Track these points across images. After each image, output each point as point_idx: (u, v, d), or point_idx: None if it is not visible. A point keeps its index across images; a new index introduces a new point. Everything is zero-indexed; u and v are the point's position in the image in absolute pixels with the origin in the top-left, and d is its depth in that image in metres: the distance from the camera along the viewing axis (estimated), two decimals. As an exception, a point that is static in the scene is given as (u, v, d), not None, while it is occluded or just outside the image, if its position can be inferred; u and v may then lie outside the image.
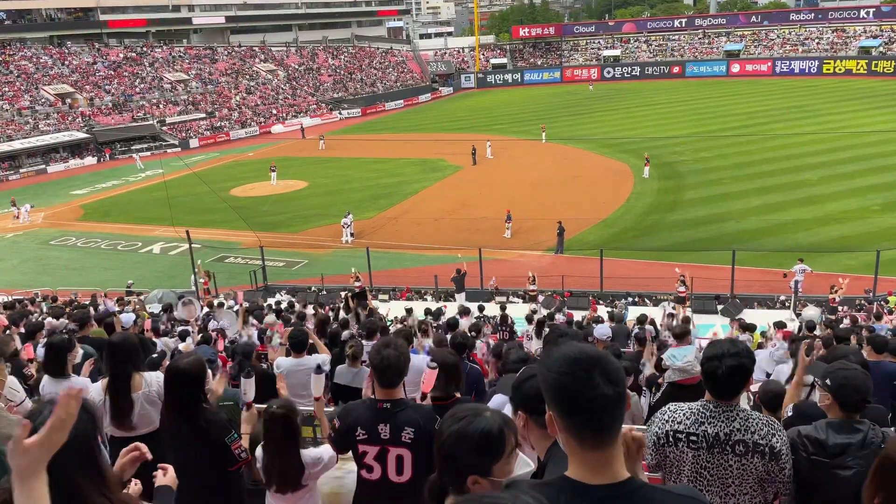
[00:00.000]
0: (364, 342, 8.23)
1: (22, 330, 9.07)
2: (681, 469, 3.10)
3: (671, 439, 3.10)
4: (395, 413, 3.64)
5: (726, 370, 3.02)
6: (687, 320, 15.61)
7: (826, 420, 3.42)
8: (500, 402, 4.66)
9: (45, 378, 5.32)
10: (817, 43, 78.36)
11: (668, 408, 3.20)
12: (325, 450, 4.00)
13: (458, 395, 4.61)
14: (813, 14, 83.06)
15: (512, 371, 4.67)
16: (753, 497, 3.07)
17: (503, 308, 18.02)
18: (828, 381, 3.42)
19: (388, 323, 14.74)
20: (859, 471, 3.18)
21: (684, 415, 3.13)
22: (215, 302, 18.66)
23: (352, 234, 30.53)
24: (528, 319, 15.81)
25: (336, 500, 4.28)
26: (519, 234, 29.37)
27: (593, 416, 1.85)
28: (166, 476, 2.99)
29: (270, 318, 13.23)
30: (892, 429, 4.71)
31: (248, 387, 4.81)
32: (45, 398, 4.08)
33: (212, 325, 11.43)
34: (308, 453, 3.90)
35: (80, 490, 2.26)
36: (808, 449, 3.27)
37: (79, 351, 5.91)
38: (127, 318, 11.26)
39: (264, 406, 4.09)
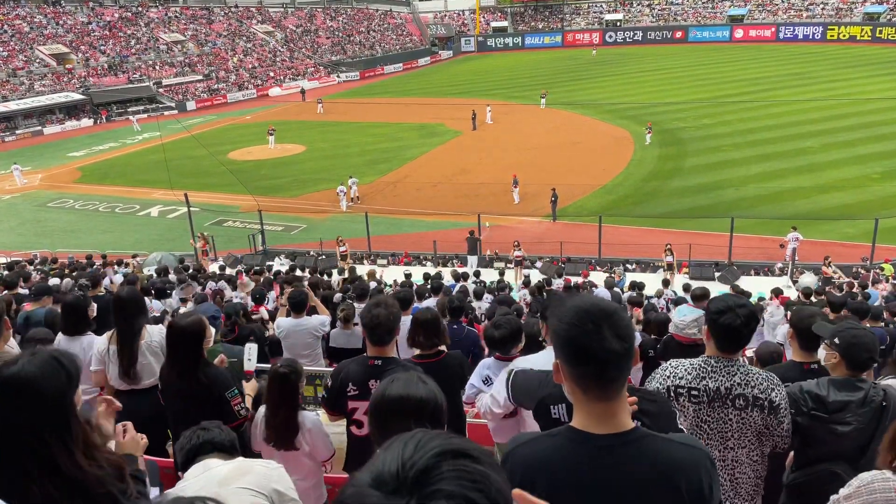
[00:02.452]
0: (355, 304, 8.31)
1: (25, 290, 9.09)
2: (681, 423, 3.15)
3: (672, 394, 3.14)
4: (386, 370, 3.73)
5: (743, 319, 3.05)
6: (686, 288, 15.70)
7: (829, 377, 3.45)
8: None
9: (60, 336, 5.30)
10: (822, 8, 77.21)
11: (671, 364, 3.25)
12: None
13: (443, 349, 4.68)
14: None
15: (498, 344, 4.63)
16: (752, 450, 3.13)
17: (501, 273, 18.11)
18: (836, 341, 3.44)
19: (387, 287, 14.81)
20: (858, 427, 3.24)
21: (685, 370, 3.17)
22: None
23: (355, 198, 30.29)
24: (525, 283, 15.80)
25: (338, 454, 4.35)
26: (522, 199, 29.26)
27: (599, 369, 1.86)
28: (126, 437, 2.72)
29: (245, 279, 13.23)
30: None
31: (252, 353, 4.85)
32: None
33: (209, 285, 11.48)
34: (309, 417, 3.93)
35: (47, 449, 2.04)
36: (808, 404, 3.32)
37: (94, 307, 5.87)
38: (115, 279, 11.25)
39: (267, 366, 4.13)
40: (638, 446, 1.92)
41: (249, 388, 4.37)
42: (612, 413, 1.93)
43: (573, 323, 1.88)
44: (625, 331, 1.88)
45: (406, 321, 5.95)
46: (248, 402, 4.15)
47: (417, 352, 4.64)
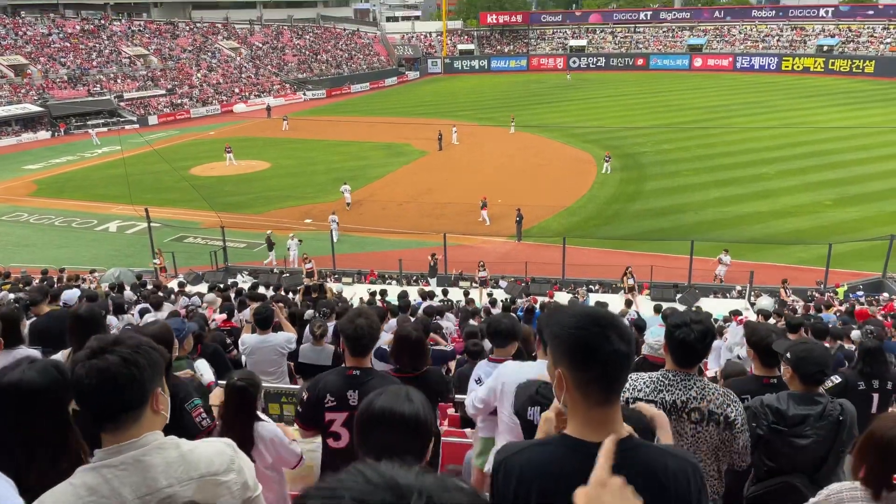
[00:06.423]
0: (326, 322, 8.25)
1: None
2: None
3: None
4: (365, 381, 3.74)
5: (697, 335, 3.12)
6: (657, 309, 15.91)
7: (788, 392, 3.57)
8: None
9: None
10: (777, 40, 79.97)
11: (630, 377, 3.29)
12: (287, 432, 3.98)
13: (427, 368, 4.68)
14: (774, 11, 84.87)
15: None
16: (708, 465, 3.19)
17: (466, 293, 18.18)
18: (788, 356, 3.58)
19: (351, 305, 14.72)
20: (816, 440, 3.35)
21: (644, 383, 3.23)
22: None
23: (347, 205, 31.03)
24: (492, 303, 15.92)
25: (309, 472, 4.29)
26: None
27: (607, 372, 1.91)
28: None
29: (210, 296, 13.00)
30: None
31: (203, 369, 4.81)
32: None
33: (182, 301, 11.26)
34: (267, 428, 3.85)
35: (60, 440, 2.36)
36: (768, 418, 3.43)
37: (26, 322, 5.71)
38: (70, 295, 10.85)
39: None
40: (632, 455, 1.94)
41: (216, 397, 4.31)
42: (610, 420, 1.96)
43: (579, 326, 1.92)
44: (627, 334, 1.94)
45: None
46: (216, 402, 4.09)
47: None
